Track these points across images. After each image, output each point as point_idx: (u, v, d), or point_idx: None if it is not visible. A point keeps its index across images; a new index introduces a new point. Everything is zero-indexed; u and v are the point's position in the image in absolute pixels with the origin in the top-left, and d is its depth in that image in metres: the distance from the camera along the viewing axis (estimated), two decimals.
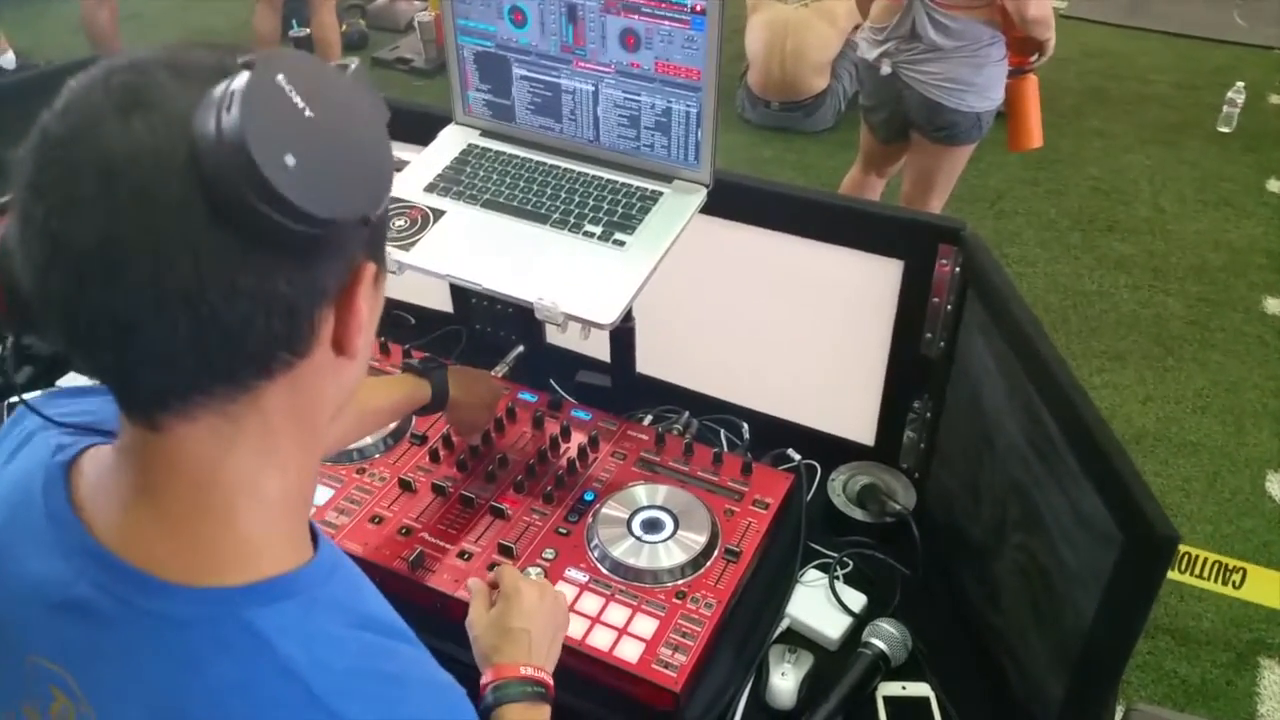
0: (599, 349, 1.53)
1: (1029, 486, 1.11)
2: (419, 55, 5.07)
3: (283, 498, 0.63)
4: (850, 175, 3.32)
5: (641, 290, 1.20)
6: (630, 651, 1.14)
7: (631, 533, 1.26)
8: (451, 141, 1.41)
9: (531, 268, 1.23)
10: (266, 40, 4.61)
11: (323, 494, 1.33)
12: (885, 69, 2.93)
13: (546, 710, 0.96)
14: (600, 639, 1.15)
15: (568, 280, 1.21)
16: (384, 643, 0.64)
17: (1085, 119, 4.60)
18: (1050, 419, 1.05)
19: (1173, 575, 2.22)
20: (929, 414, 1.39)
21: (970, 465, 1.28)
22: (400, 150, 1.42)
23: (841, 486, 1.43)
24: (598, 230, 1.26)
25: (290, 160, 0.51)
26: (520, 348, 1.60)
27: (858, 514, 1.40)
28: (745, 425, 1.50)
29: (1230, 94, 4.42)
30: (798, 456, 1.45)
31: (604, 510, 1.29)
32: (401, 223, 1.30)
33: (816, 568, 1.34)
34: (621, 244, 1.25)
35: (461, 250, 1.26)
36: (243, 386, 0.57)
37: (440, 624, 1.04)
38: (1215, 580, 2.22)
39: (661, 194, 1.30)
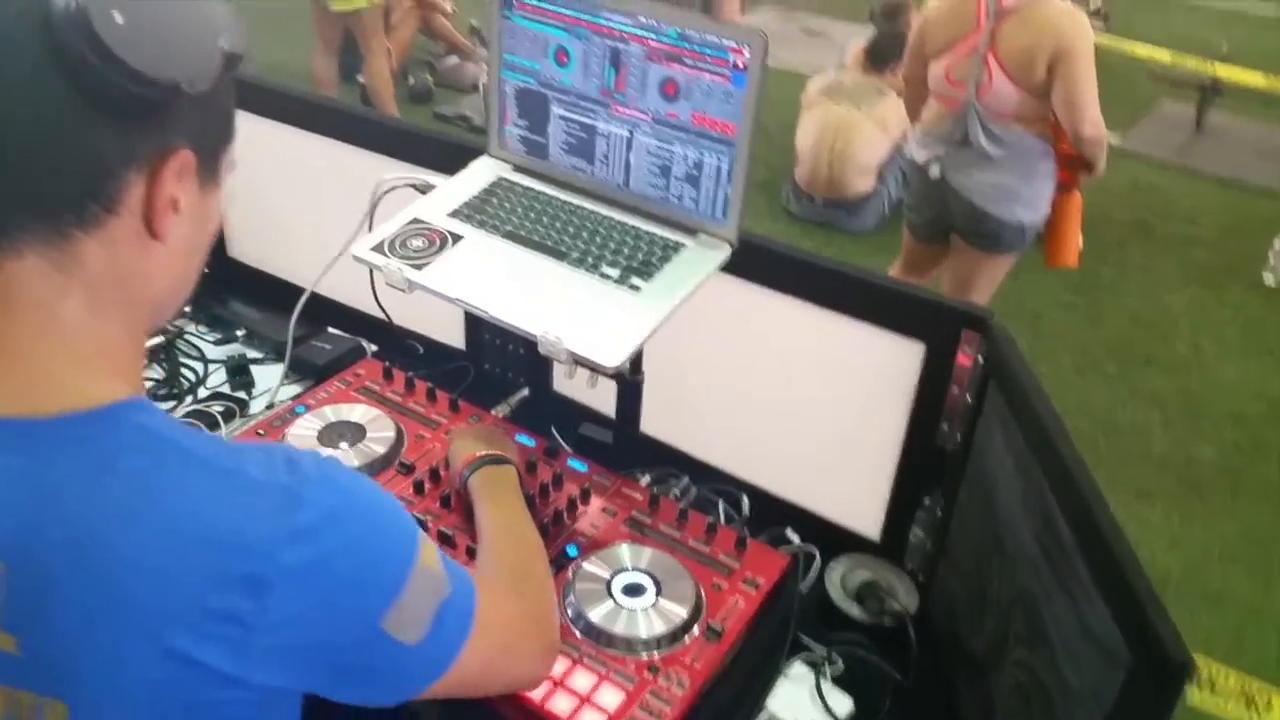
0: (604, 402, 1.48)
1: (1037, 597, 1.04)
2: (478, 114, 5.17)
3: (127, 350, 0.73)
4: (889, 276, 3.30)
5: (650, 337, 1.16)
6: None
7: (610, 594, 1.19)
8: (482, 172, 1.39)
9: (542, 302, 1.19)
10: (322, 83, 4.73)
11: None
12: (934, 172, 2.92)
13: (511, 469, 1.24)
14: (560, 704, 1.07)
15: (577, 318, 1.16)
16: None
17: (1128, 252, 4.57)
18: (1064, 522, 0.98)
19: (1194, 700, 2.08)
20: (939, 512, 1.32)
21: (978, 571, 1.20)
22: (430, 177, 1.41)
23: (840, 579, 1.35)
24: (614, 273, 1.22)
25: (119, 18, 0.62)
26: (525, 391, 1.55)
27: (854, 610, 1.31)
28: (745, 499, 1.44)
29: (1278, 245, 4.38)
30: (796, 539, 1.38)
31: (584, 566, 1.22)
32: (419, 243, 1.27)
33: (804, 662, 1.25)
34: (636, 289, 1.21)
35: (474, 277, 1.23)
36: (61, 232, 0.66)
37: None
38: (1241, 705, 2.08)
39: (684, 246, 1.26)
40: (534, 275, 1.23)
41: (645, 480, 1.42)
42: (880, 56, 4.49)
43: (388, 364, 1.54)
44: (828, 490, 1.43)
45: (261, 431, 1.41)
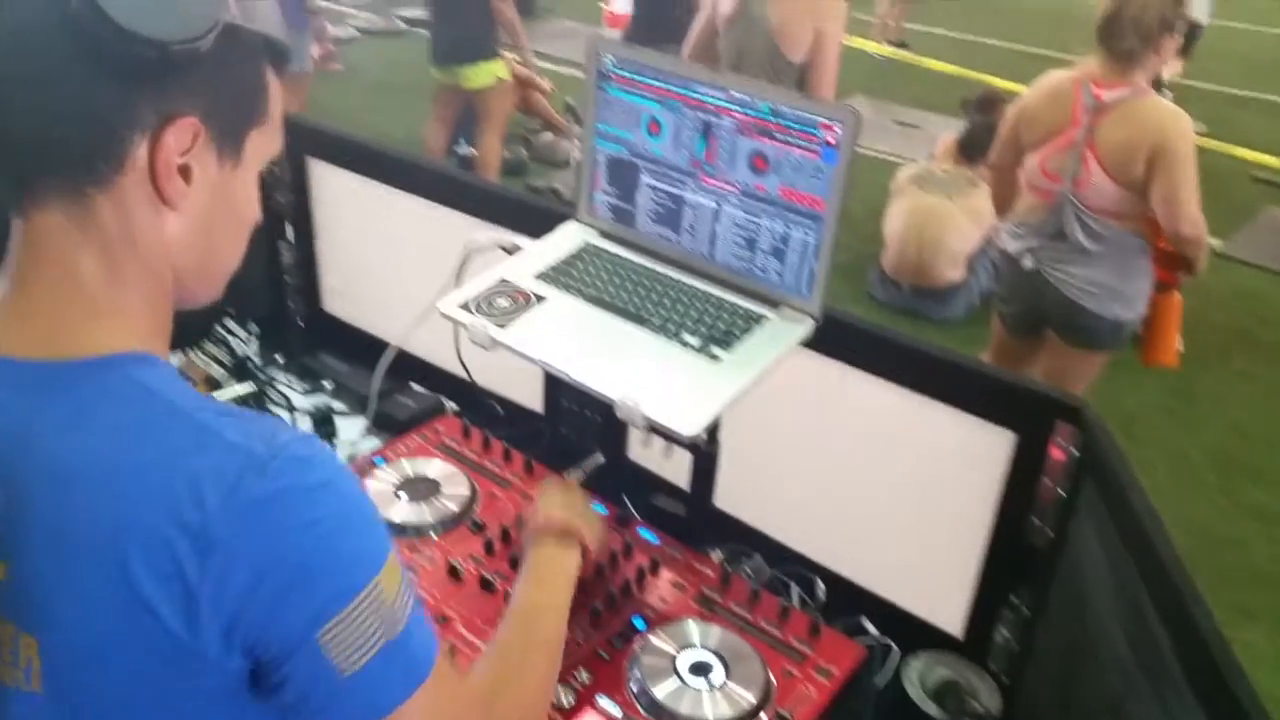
0: (678, 473, 1.45)
1: (1129, 705, 0.97)
2: (569, 189, 5.28)
3: (143, 313, 0.76)
4: (979, 359, 3.23)
5: (728, 408, 1.14)
6: None
7: (676, 672, 1.15)
8: (570, 237, 1.41)
9: (620, 366, 1.18)
10: (432, 153, 4.89)
11: None
12: (1027, 264, 2.87)
13: (575, 554, 1.16)
14: None
15: (655, 385, 1.15)
16: (236, 407, 0.76)
17: (1230, 359, 4.40)
18: (1160, 626, 0.92)
19: None
20: (1027, 610, 1.26)
21: (1066, 674, 1.14)
22: (519, 240, 1.43)
23: (918, 676, 1.29)
24: (695, 341, 1.21)
25: None
26: (599, 457, 1.54)
27: (933, 711, 1.25)
28: (820, 583, 1.39)
29: None
30: (873, 630, 1.32)
31: (651, 640, 1.19)
32: (504, 302, 1.28)
33: None
34: (716, 358, 1.19)
35: (555, 338, 1.23)
36: (78, 189, 0.72)
37: None
38: None
39: (767, 318, 1.25)
40: (615, 339, 1.23)
41: (717, 556, 1.38)
42: (973, 148, 4.46)
43: (466, 422, 1.55)
44: (908, 580, 1.37)
45: None
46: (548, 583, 1.12)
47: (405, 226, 1.77)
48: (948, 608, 1.34)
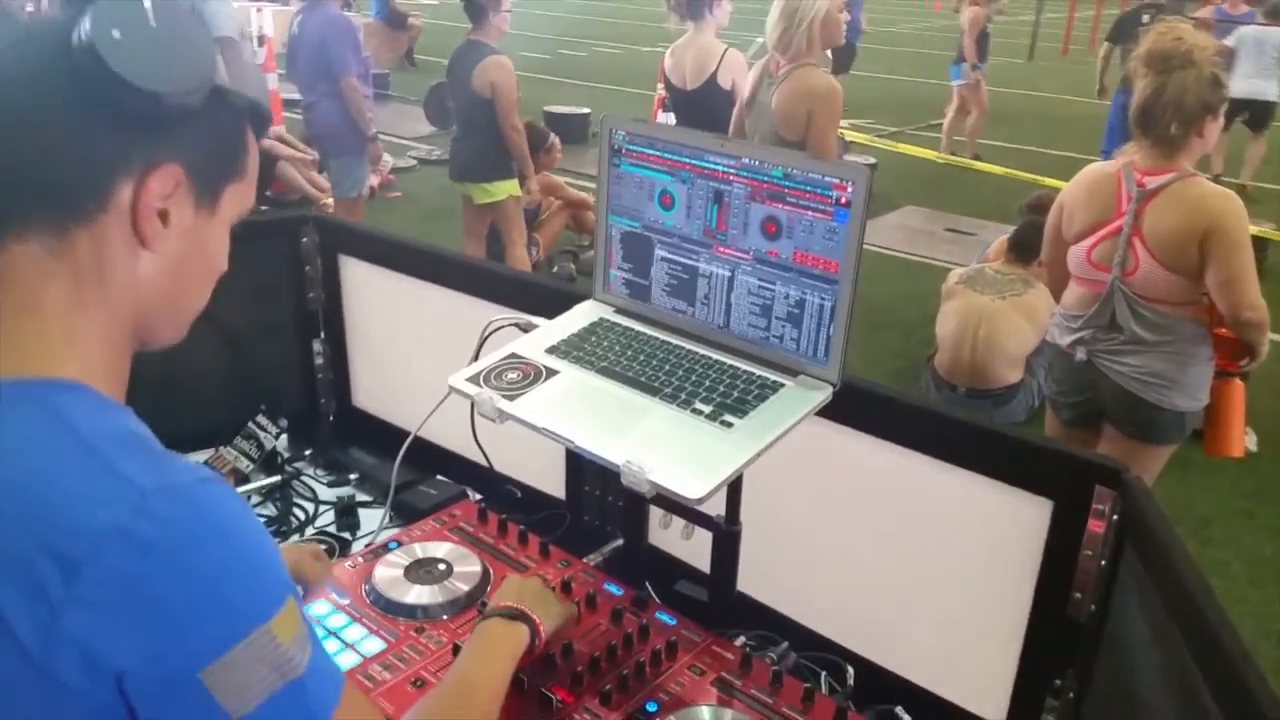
0: (700, 557, 1.39)
1: None
2: None
3: (97, 344, 0.79)
4: (1010, 425, 3.12)
5: (739, 473, 1.10)
6: None
7: None
8: (584, 314, 1.40)
9: (628, 434, 1.15)
10: None
11: (372, 645, 1.24)
12: (1080, 355, 2.78)
13: (523, 629, 1.12)
14: None
15: (663, 451, 1.12)
16: (160, 448, 0.76)
17: None
18: (1214, 704, 0.83)
19: None
20: (1071, 694, 1.16)
21: None
22: (539, 321, 1.42)
23: None
24: (707, 409, 1.18)
25: (116, 34, 0.72)
26: (619, 541, 1.49)
27: None
28: (850, 670, 1.30)
29: None
30: (907, 718, 1.23)
31: None
32: (514, 375, 1.27)
33: None
34: (729, 425, 1.15)
35: (564, 409, 1.21)
36: (60, 222, 0.76)
37: None
38: None
39: (783, 385, 1.21)
40: (624, 409, 1.20)
41: (740, 641, 1.31)
42: (1025, 248, 4.41)
43: (483, 505, 1.52)
44: (944, 665, 1.28)
45: (351, 564, 1.40)
46: (484, 655, 1.09)
47: (432, 318, 1.78)
48: (987, 693, 1.24)
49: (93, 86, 0.73)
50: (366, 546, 1.58)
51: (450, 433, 1.52)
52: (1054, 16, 17.14)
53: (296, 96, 5.23)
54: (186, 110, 0.77)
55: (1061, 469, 1.13)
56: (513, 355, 1.31)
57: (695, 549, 1.39)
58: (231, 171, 0.85)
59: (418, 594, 1.33)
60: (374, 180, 5.99)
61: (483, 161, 4.69)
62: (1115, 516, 1.08)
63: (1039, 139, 10.02)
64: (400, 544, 1.44)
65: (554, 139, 5.94)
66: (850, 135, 8.83)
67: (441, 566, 1.38)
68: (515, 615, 1.13)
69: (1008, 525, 1.18)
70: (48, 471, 0.71)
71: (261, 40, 6.34)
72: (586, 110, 9.06)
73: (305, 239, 1.90)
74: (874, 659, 1.33)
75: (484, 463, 1.59)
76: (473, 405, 1.27)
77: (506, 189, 4.76)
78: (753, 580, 1.40)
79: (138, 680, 0.69)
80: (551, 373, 1.27)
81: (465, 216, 5.03)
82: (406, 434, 1.58)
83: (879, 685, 1.29)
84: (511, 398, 1.23)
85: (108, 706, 0.70)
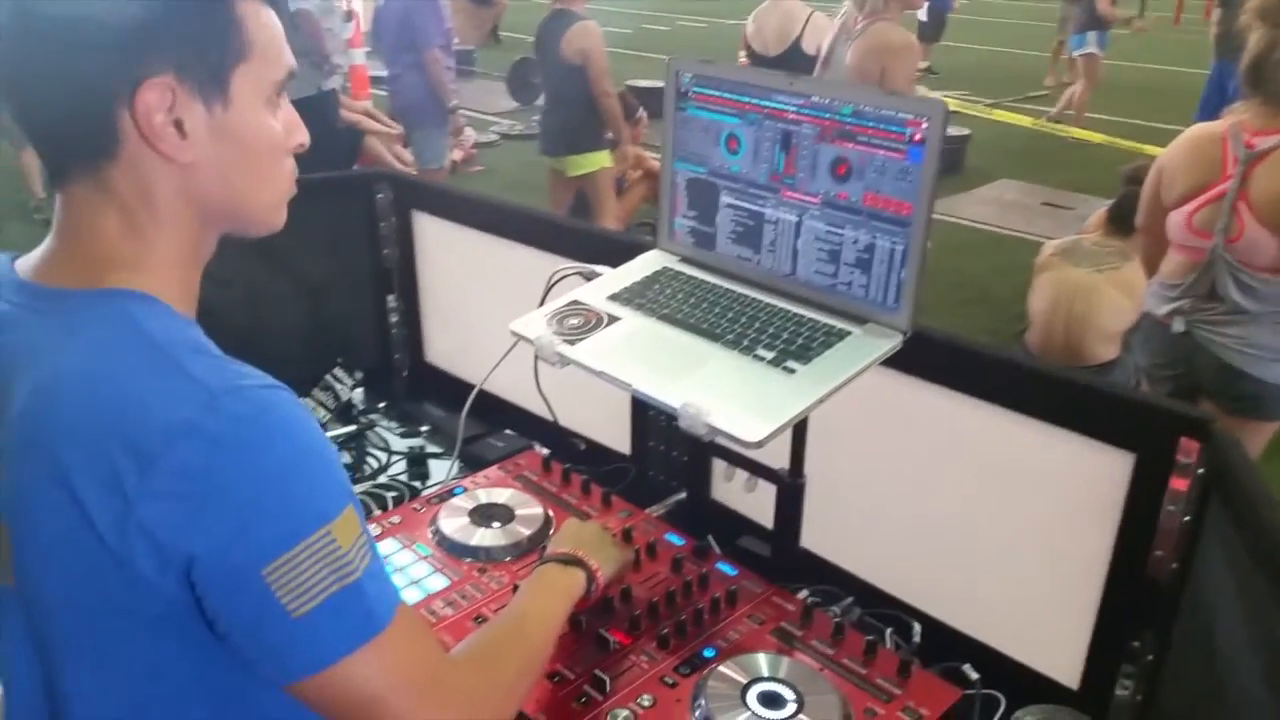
0: (764, 513, 1.37)
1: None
2: None
3: (162, 263, 0.82)
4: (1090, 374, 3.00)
5: (800, 418, 1.07)
6: None
7: (744, 703, 1.06)
8: (649, 263, 1.38)
9: (688, 379, 1.13)
10: None
11: (436, 583, 1.27)
12: (1177, 326, 2.66)
13: (579, 574, 1.12)
14: None
15: (722, 395, 1.10)
16: (226, 357, 0.79)
17: None
18: None
19: None
20: (1150, 656, 1.11)
21: (1197, 710, 0.98)
22: (604, 270, 1.41)
23: None
24: (769, 355, 1.15)
25: None
26: (682, 494, 1.47)
27: None
28: (917, 627, 1.27)
29: None
30: (976, 675, 1.19)
31: (720, 668, 1.10)
32: (575, 321, 1.26)
33: None
34: (791, 371, 1.13)
35: (623, 353, 1.19)
36: (93, 162, 0.79)
37: None
38: None
39: (850, 333, 1.18)
40: (684, 355, 1.18)
41: (802, 595, 1.28)
42: (1125, 219, 4.22)
43: (548, 456, 1.52)
44: (1016, 625, 1.24)
45: (418, 507, 1.42)
46: (540, 596, 1.09)
47: (502, 273, 1.79)
48: (1062, 655, 1.19)
49: (53, 32, 0.75)
50: (432, 490, 1.60)
51: (519, 388, 1.52)
52: None
53: (383, 73, 5.31)
54: (145, 19, 0.76)
55: (1144, 420, 1.08)
56: (574, 302, 1.30)
57: (759, 504, 1.37)
58: (230, 56, 0.81)
59: (481, 536, 1.34)
60: (456, 154, 6.04)
61: (574, 132, 4.67)
62: (1200, 470, 1.02)
63: (1144, 112, 9.60)
64: (465, 489, 1.45)
65: (642, 111, 5.91)
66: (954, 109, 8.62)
67: (505, 511, 1.38)
68: (572, 561, 1.13)
69: (1086, 479, 1.13)
70: (123, 370, 0.75)
71: (349, 15, 6.45)
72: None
73: (380, 195, 1.92)
74: (942, 618, 1.29)
75: (549, 416, 1.58)
76: (535, 355, 1.26)
77: (599, 160, 4.76)
78: (817, 537, 1.37)
79: (204, 571, 0.73)
80: (613, 319, 1.26)
81: (553, 192, 5.04)
82: (481, 391, 1.59)
83: (946, 644, 1.25)
84: (572, 342, 1.22)
85: (177, 599, 0.74)
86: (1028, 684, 1.21)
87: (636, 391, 1.13)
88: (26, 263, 0.85)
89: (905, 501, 1.32)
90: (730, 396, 1.10)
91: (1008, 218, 6.50)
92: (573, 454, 1.66)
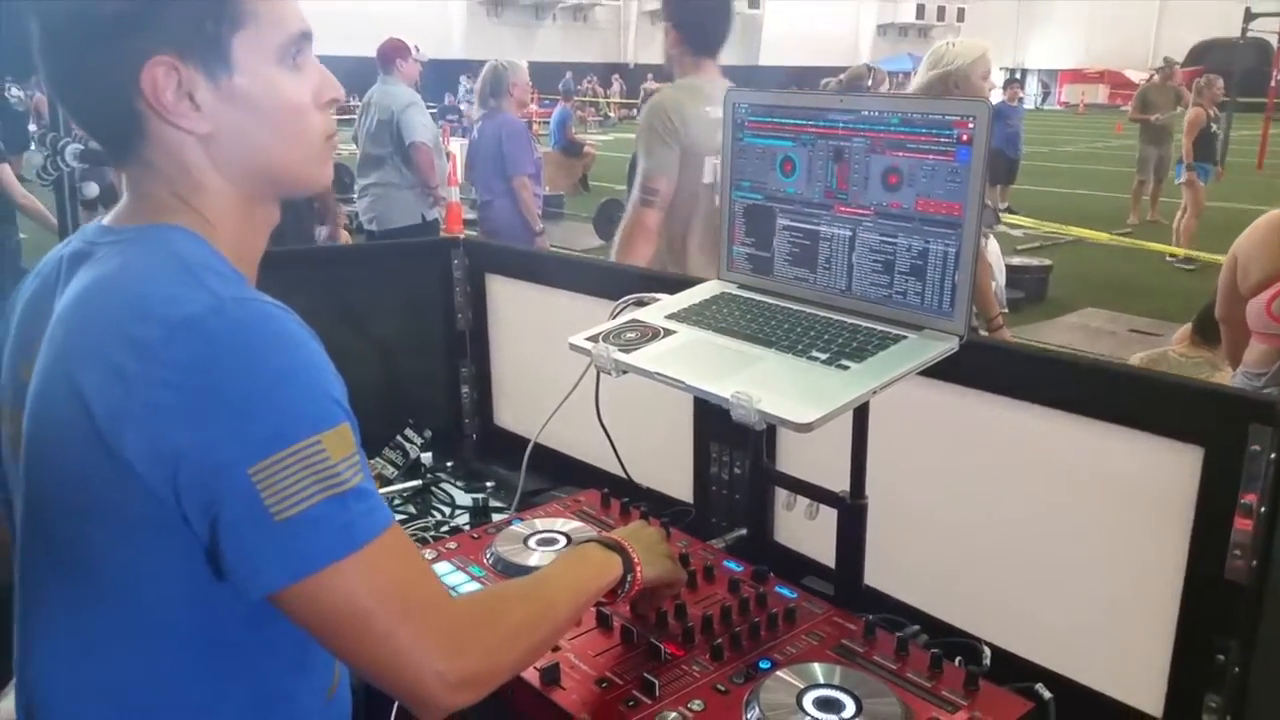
0: (827, 552, 1.32)
1: None
2: None
3: (210, 215, 0.89)
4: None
5: (853, 405, 1.06)
6: None
7: (801, 708, 1.01)
8: (708, 289, 1.41)
9: (740, 375, 1.14)
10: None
11: None
12: None
13: (616, 558, 1.09)
14: None
15: (774, 388, 1.10)
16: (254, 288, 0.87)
17: None
18: None
19: None
20: (1237, 667, 1.03)
21: None
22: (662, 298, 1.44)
23: None
24: (823, 356, 1.15)
25: None
26: (743, 530, 1.44)
27: None
28: (986, 650, 1.20)
29: None
30: (1049, 695, 1.11)
31: (776, 674, 1.06)
32: (632, 335, 1.28)
33: None
34: (845, 368, 1.12)
35: (678, 358, 1.21)
36: (130, 149, 0.88)
37: None
38: None
39: (905, 337, 1.17)
40: (738, 357, 1.20)
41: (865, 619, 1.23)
42: (1211, 329, 4.13)
43: (606, 491, 1.52)
44: (1091, 651, 1.17)
45: (476, 536, 1.42)
46: (569, 563, 1.08)
47: (571, 326, 1.82)
48: (1141, 680, 1.12)
49: (63, 35, 0.84)
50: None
51: (582, 442, 1.54)
52: (1246, 133, 16.37)
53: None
54: (135, 5, 0.82)
55: (1211, 409, 1.04)
56: (633, 320, 1.33)
57: (822, 545, 1.33)
58: (227, 25, 0.84)
59: (538, 557, 1.33)
60: None
61: None
62: (1274, 455, 0.98)
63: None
64: (522, 520, 1.45)
65: None
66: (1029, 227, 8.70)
67: (561, 537, 1.38)
68: (614, 547, 1.11)
69: (1152, 479, 1.08)
70: (143, 277, 0.82)
71: (448, 156, 6.86)
72: None
73: (455, 261, 2.00)
74: (1011, 648, 1.22)
75: (613, 465, 1.58)
76: (596, 373, 1.28)
77: None
78: (880, 575, 1.32)
79: (191, 469, 0.75)
80: (669, 332, 1.28)
81: None
82: (543, 448, 1.61)
83: (1018, 673, 1.18)
84: (628, 351, 1.24)
85: (161, 500, 0.76)
86: (1108, 715, 1.13)
87: (689, 387, 1.14)
88: (108, 216, 0.94)
89: (967, 524, 1.27)
90: (783, 389, 1.10)
91: (1097, 344, 6.38)
92: (635, 496, 1.65)
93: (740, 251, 1.40)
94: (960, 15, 35.90)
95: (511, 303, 1.98)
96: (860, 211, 1.24)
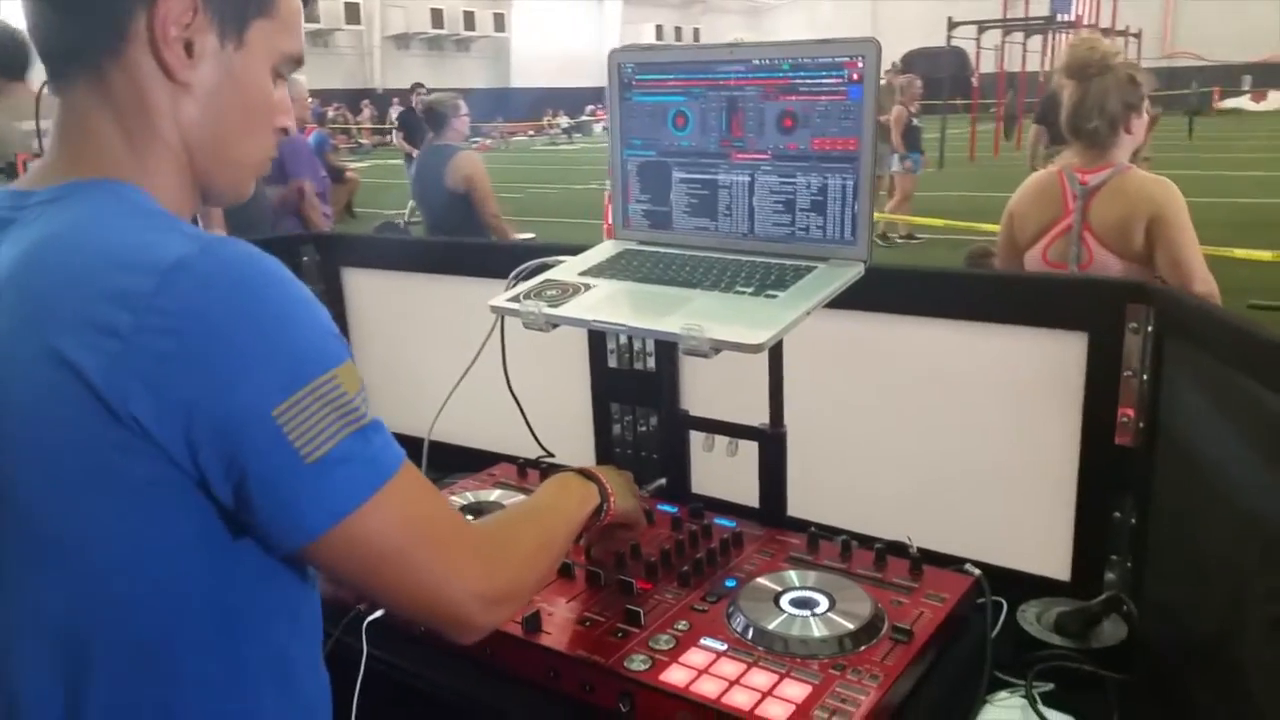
0: (748, 493, 1.39)
1: (1268, 511, 0.90)
2: None
3: (156, 173, 0.83)
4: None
5: (793, 328, 1.13)
6: (777, 711, 0.92)
7: (779, 607, 1.08)
8: (608, 248, 1.44)
9: (678, 313, 1.18)
10: None
11: None
12: None
13: (593, 487, 1.11)
14: (739, 698, 0.94)
15: (716, 319, 1.15)
16: None
17: None
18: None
19: None
20: (1134, 519, 1.18)
21: (1193, 547, 1.05)
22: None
23: (1035, 617, 1.19)
24: (749, 289, 1.22)
25: None
26: (662, 480, 1.49)
27: (1057, 640, 1.15)
28: (914, 547, 1.30)
29: None
30: (978, 571, 1.22)
31: (751, 583, 1.12)
32: (553, 293, 1.30)
33: (1011, 694, 1.08)
34: (773, 296, 1.20)
35: (610, 305, 1.24)
36: (94, 62, 0.81)
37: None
38: None
39: (815, 267, 1.26)
40: (670, 299, 1.24)
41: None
42: None
43: (522, 463, 1.52)
44: (1006, 535, 1.30)
45: None
46: (555, 492, 1.09)
47: (443, 312, 1.80)
48: (1050, 551, 1.26)
49: None
50: None
51: (475, 431, 1.53)
52: (956, 132, 18.17)
53: None
54: None
55: (1090, 298, 1.19)
56: (547, 280, 1.35)
57: (743, 486, 1.39)
58: (254, 6, 0.84)
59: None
60: None
61: None
62: (1150, 328, 1.14)
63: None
64: (452, 493, 1.43)
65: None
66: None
67: (496, 507, 1.37)
68: (590, 476, 1.13)
69: (1046, 369, 1.23)
70: (114, 228, 0.76)
71: None
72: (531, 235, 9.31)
73: (306, 258, 1.93)
74: (935, 547, 1.33)
75: (518, 452, 1.57)
76: (522, 324, 1.28)
77: None
78: (801, 504, 1.40)
79: (208, 421, 0.71)
80: (589, 287, 1.31)
81: None
82: (434, 443, 1.57)
83: (942, 565, 1.30)
84: (556, 305, 1.26)
85: (173, 455, 0.72)
86: (1024, 587, 1.26)
87: (635, 329, 1.18)
88: (23, 180, 0.85)
89: (881, 441, 1.38)
90: (724, 318, 1.15)
91: None
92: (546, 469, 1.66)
93: (636, 209, 1.45)
94: (696, 36, 37.68)
95: (373, 295, 1.93)
96: (758, 156, 1.32)
